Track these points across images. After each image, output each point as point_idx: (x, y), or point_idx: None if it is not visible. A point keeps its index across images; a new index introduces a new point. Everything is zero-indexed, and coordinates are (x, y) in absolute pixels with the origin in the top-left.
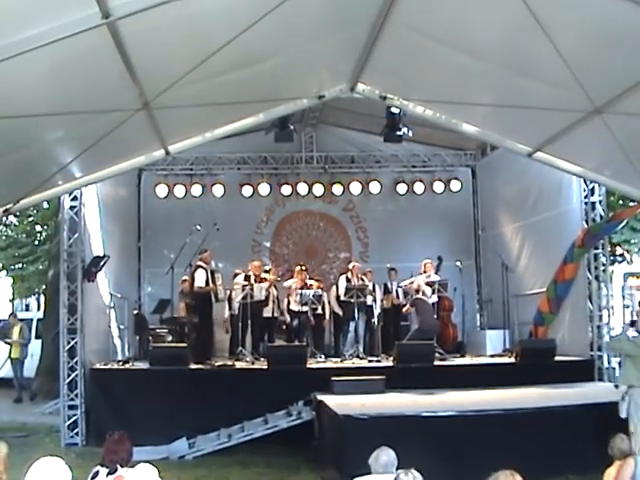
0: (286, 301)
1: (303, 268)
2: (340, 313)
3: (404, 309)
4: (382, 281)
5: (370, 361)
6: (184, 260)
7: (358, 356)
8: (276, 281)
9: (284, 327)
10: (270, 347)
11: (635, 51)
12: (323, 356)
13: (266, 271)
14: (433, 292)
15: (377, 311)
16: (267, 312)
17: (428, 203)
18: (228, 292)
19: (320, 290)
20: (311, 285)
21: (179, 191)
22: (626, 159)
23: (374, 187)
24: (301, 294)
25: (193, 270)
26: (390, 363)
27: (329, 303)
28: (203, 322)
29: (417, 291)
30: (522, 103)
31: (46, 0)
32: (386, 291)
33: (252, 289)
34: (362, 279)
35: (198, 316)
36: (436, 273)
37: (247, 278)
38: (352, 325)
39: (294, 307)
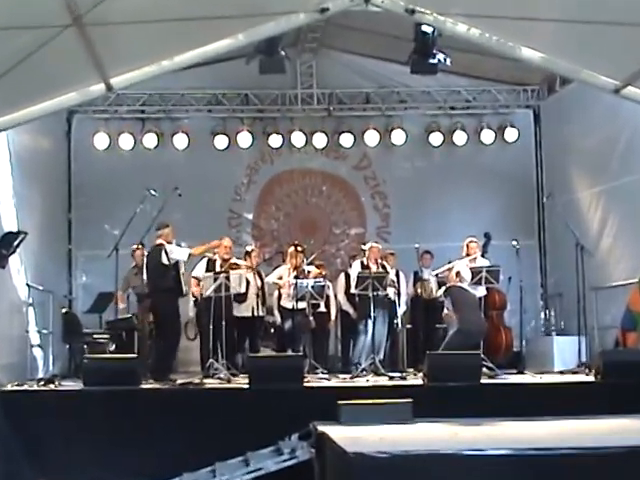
0: (276, 295)
1: (299, 249)
2: (350, 311)
3: (444, 313)
4: (409, 268)
5: (392, 378)
6: (133, 238)
7: (375, 371)
8: (255, 268)
9: (272, 331)
10: (253, 358)
11: None
12: (326, 371)
13: (247, 253)
14: (479, 282)
15: (402, 309)
16: (247, 310)
17: (472, 159)
18: (194, 283)
19: (323, 279)
20: (310, 273)
21: (126, 142)
22: None
23: (397, 137)
24: (296, 285)
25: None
26: (419, 381)
27: (335, 298)
28: (162, 324)
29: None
30: (608, 17)
31: None
32: (415, 281)
33: (228, 278)
34: (382, 265)
35: (155, 316)
36: (483, 256)
37: (211, 263)
38: (367, 328)
39: (286, 303)
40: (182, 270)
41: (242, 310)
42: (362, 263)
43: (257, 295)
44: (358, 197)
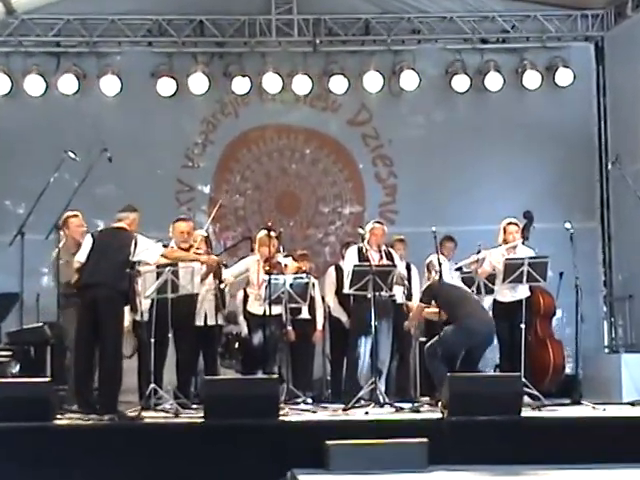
0: (240, 296)
1: (273, 234)
2: (343, 319)
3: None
4: (423, 259)
5: (400, 410)
6: (45, 219)
7: (377, 400)
8: (211, 257)
9: (237, 345)
10: (209, 383)
11: None
12: (311, 400)
13: (203, 239)
14: (518, 279)
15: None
16: (199, 318)
17: (510, 111)
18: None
19: (306, 275)
20: (287, 266)
21: (34, 86)
22: None
23: (408, 80)
24: (269, 283)
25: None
26: (437, 414)
27: (323, 300)
28: (106, 336)
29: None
30: None
31: None
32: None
33: (175, 274)
34: (387, 254)
35: (95, 325)
36: (524, 243)
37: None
38: (366, 341)
39: (255, 308)
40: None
41: (197, 318)
42: (359, 252)
43: (217, 297)
44: (354, 163)
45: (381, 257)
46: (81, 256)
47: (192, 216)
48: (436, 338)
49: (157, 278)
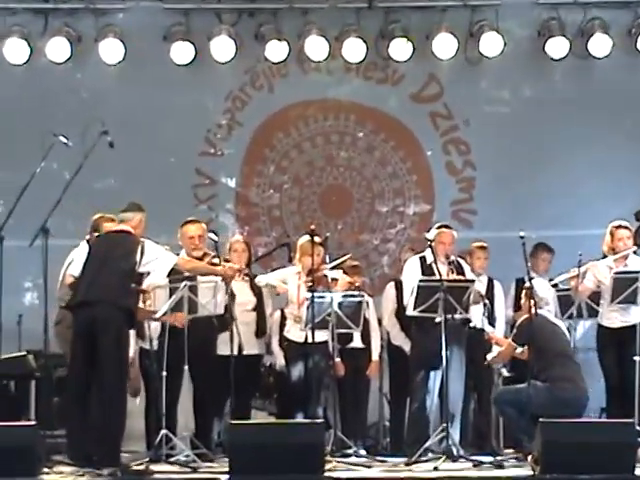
0: (276, 318)
1: (317, 240)
2: (406, 348)
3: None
4: (509, 273)
5: (479, 465)
6: (30, 220)
7: (449, 452)
8: (243, 271)
9: (271, 380)
10: (236, 428)
11: None
12: (365, 451)
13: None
14: (631, 300)
15: (497, 346)
16: (226, 346)
17: (620, 84)
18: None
19: (358, 292)
20: (336, 281)
21: (16, 52)
22: None
23: (489, 44)
24: (312, 302)
25: None
26: (527, 470)
27: (380, 324)
28: (107, 366)
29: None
30: None
31: None
32: (520, 296)
33: (193, 290)
34: (456, 266)
35: (94, 350)
36: (636, 252)
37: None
38: (435, 377)
39: (294, 333)
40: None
41: (222, 346)
42: (422, 263)
43: (256, 319)
44: (420, 150)
45: (451, 270)
46: (75, 269)
47: (214, 217)
48: (519, 388)
49: (170, 295)
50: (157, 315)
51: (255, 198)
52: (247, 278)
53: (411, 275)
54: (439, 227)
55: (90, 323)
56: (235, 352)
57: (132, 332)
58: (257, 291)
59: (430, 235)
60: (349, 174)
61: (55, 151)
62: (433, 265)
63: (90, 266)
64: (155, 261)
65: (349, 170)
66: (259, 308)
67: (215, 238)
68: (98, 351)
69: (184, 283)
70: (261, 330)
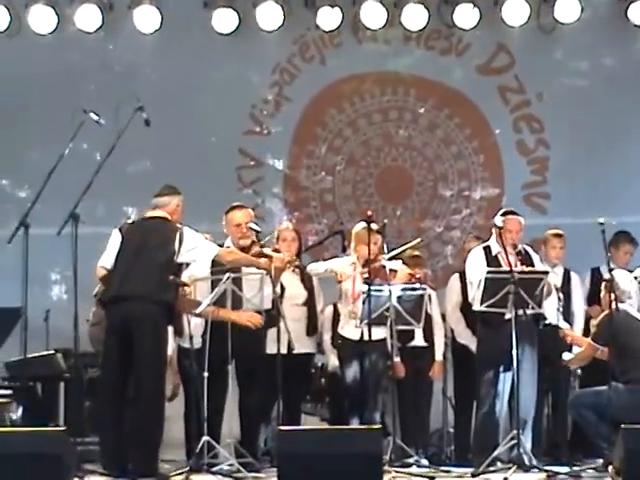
0: (329, 313)
1: (374, 227)
2: (472, 347)
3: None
4: (585, 263)
5: (552, 475)
6: (57, 206)
7: (520, 461)
8: (293, 262)
9: (322, 382)
10: (286, 435)
11: None
12: (426, 460)
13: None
14: None
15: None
16: (274, 344)
17: None
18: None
19: (420, 285)
20: (395, 273)
21: (42, 20)
22: None
23: (566, 9)
24: (368, 295)
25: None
26: None
27: (443, 320)
28: (145, 366)
29: None
30: None
31: None
32: (597, 288)
33: (237, 283)
34: (523, 256)
35: (127, 348)
36: None
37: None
38: (504, 380)
39: (349, 330)
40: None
41: (267, 344)
42: (487, 253)
43: (307, 315)
44: (488, 128)
45: (521, 261)
46: (106, 260)
47: (260, 202)
48: (598, 391)
49: (212, 288)
50: (198, 310)
51: (305, 181)
52: (297, 270)
53: (475, 267)
54: (504, 213)
55: (125, 320)
56: (284, 351)
57: (170, 329)
58: (308, 284)
59: (499, 220)
60: (409, 154)
61: (85, 130)
62: (499, 256)
63: (123, 257)
64: (195, 250)
65: (409, 150)
66: (310, 302)
67: (257, 228)
68: (134, 350)
69: (227, 275)
70: (312, 327)
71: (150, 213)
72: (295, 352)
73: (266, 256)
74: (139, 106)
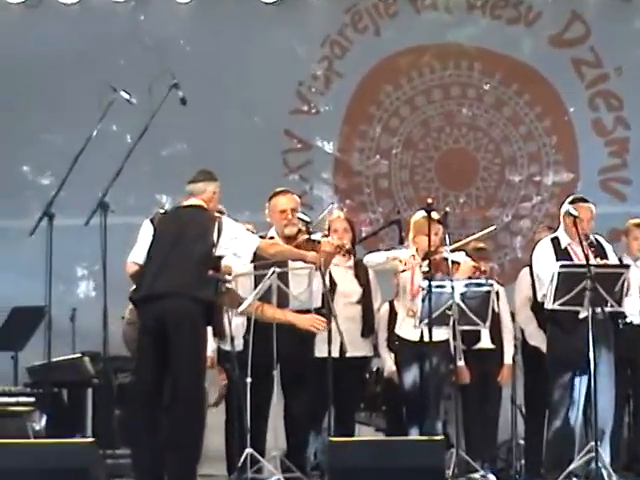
0: (384, 311)
1: (435, 216)
2: (543, 348)
3: None
4: None
5: None
6: (84, 194)
7: (599, 476)
8: (344, 248)
9: (377, 387)
10: (337, 447)
11: None
12: (493, 475)
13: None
14: None
15: None
16: (324, 346)
17: None
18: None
19: (486, 281)
20: (458, 266)
21: None
22: None
23: None
24: (430, 291)
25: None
26: None
27: (512, 319)
28: (148, 374)
29: None
30: None
31: None
32: None
33: (284, 279)
34: (599, 246)
35: (162, 353)
36: None
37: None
38: (580, 385)
39: (407, 331)
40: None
41: (317, 346)
42: (555, 244)
43: (362, 314)
44: (561, 105)
45: (594, 253)
46: (137, 254)
47: (308, 189)
48: None
49: (256, 285)
50: (241, 308)
51: (358, 166)
52: (350, 263)
53: (543, 261)
54: (573, 200)
55: (159, 318)
56: (335, 354)
57: (209, 330)
58: (363, 279)
59: (573, 207)
60: (473, 135)
61: (115, 110)
62: (569, 248)
63: (157, 250)
64: (235, 242)
65: (473, 130)
66: (366, 300)
67: (306, 218)
68: (170, 351)
69: (272, 269)
70: (368, 327)
71: (185, 202)
72: (348, 355)
73: (313, 243)
74: (174, 83)
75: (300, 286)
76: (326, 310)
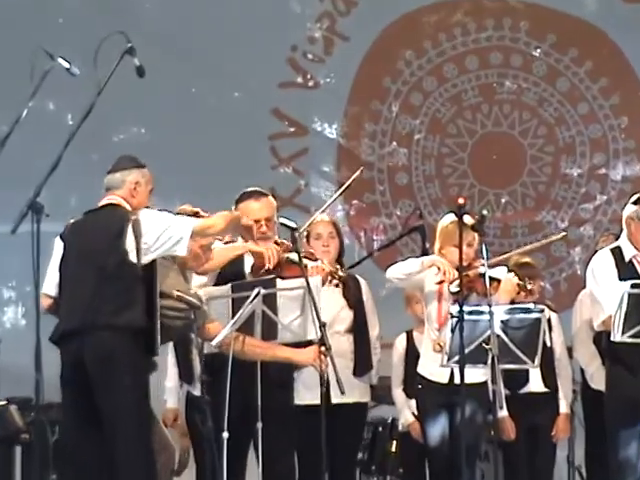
0: (399, 344)
1: (468, 221)
2: (600, 389)
3: None
4: None
5: None
6: (11, 195)
7: None
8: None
9: (393, 445)
10: None
11: None
12: None
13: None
14: None
15: None
16: (309, 391)
17: None
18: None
19: (534, 306)
20: (495, 284)
21: None
22: None
23: None
24: (461, 318)
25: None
26: None
27: (571, 356)
28: (77, 438)
29: None
30: None
31: None
32: None
33: (270, 302)
34: None
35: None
36: None
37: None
38: None
39: (432, 369)
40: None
41: (307, 392)
42: (616, 256)
43: (355, 346)
44: (633, 77)
45: None
46: (48, 284)
47: (303, 185)
48: None
49: (233, 310)
50: (214, 342)
51: (368, 155)
52: (336, 279)
53: (601, 278)
54: (638, 200)
55: (77, 364)
56: (316, 400)
57: (173, 369)
58: (354, 300)
59: (631, 213)
60: (518, 116)
61: (52, 82)
62: (635, 260)
63: (66, 273)
64: (166, 235)
65: (518, 110)
66: (359, 327)
67: (291, 224)
68: (97, 405)
69: (256, 290)
70: (363, 363)
71: (101, 202)
72: (336, 402)
73: (299, 266)
74: (128, 48)
75: (291, 311)
76: (318, 342)
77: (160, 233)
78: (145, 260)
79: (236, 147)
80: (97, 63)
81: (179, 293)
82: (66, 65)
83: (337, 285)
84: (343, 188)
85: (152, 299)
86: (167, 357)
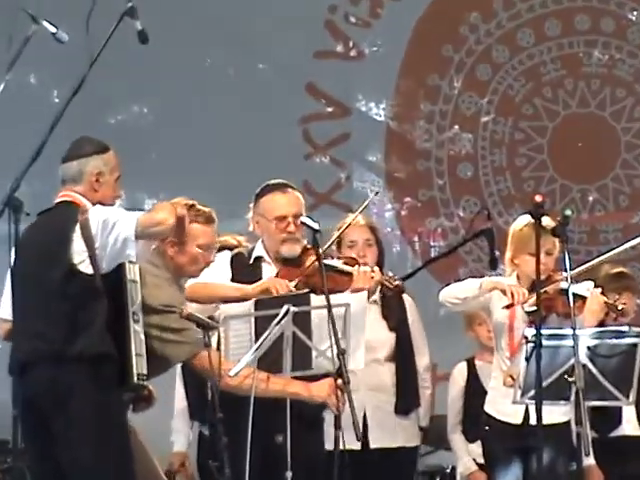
0: (458, 375)
1: (548, 223)
2: None
3: None
4: None
5: None
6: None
7: None
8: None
9: None
10: None
11: None
12: None
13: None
14: None
15: None
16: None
17: None
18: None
19: (629, 328)
20: (580, 302)
21: None
22: None
23: None
24: (538, 343)
25: None
26: None
27: None
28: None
29: None
30: None
31: None
32: None
33: (302, 322)
34: None
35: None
36: None
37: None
38: None
39: (503, 407)
40: (138, 292)
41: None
42: None
43: (397, 377)
44: None
45: None
46: (5, 307)
47: (343, 178)
48: None
49: (257, 329)
50: (232, 372)
51: (424, 142)
52: (375, 296)
53: None
54: None
55: (31, 402)
56: (354, 444)
57: (181, 403)
58: (396, 322)
59: None
60: (609, 95)
61: (35, 50)
62: None
63: (16, 292)
64: (113, 235)
65: (610, 87)
66: (402, 355)
67: (314, 225)
68: (58, 451)
69: (286, 307)
70: (408, 398)
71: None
72: (375, 447)
73: (342, 272)
74: (128, 8)
75: (326, 335)
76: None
77: (108, 233)
78: (107, 268)
79: (261, 132)
80: (89, 27)
81: (188, 310)
82: (52, 29)
83: (375, 301)
84: (344, 227)
85: (122, 316)
86: (174, 391)
